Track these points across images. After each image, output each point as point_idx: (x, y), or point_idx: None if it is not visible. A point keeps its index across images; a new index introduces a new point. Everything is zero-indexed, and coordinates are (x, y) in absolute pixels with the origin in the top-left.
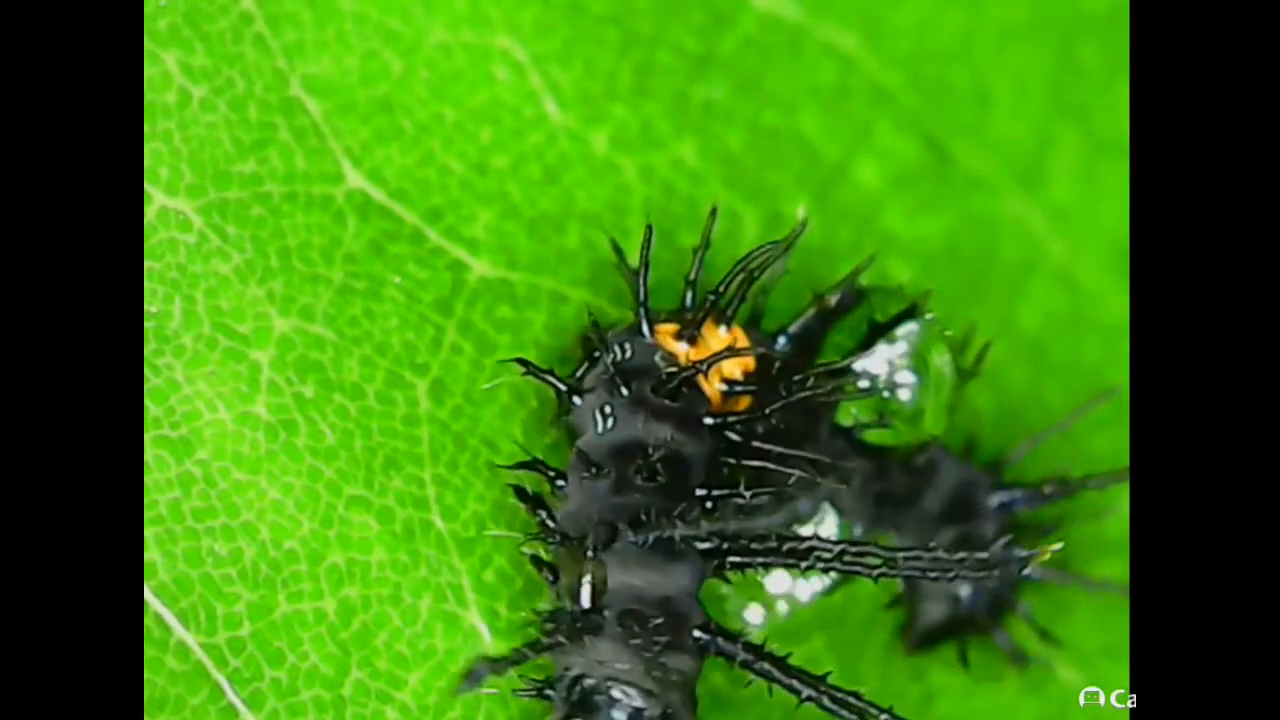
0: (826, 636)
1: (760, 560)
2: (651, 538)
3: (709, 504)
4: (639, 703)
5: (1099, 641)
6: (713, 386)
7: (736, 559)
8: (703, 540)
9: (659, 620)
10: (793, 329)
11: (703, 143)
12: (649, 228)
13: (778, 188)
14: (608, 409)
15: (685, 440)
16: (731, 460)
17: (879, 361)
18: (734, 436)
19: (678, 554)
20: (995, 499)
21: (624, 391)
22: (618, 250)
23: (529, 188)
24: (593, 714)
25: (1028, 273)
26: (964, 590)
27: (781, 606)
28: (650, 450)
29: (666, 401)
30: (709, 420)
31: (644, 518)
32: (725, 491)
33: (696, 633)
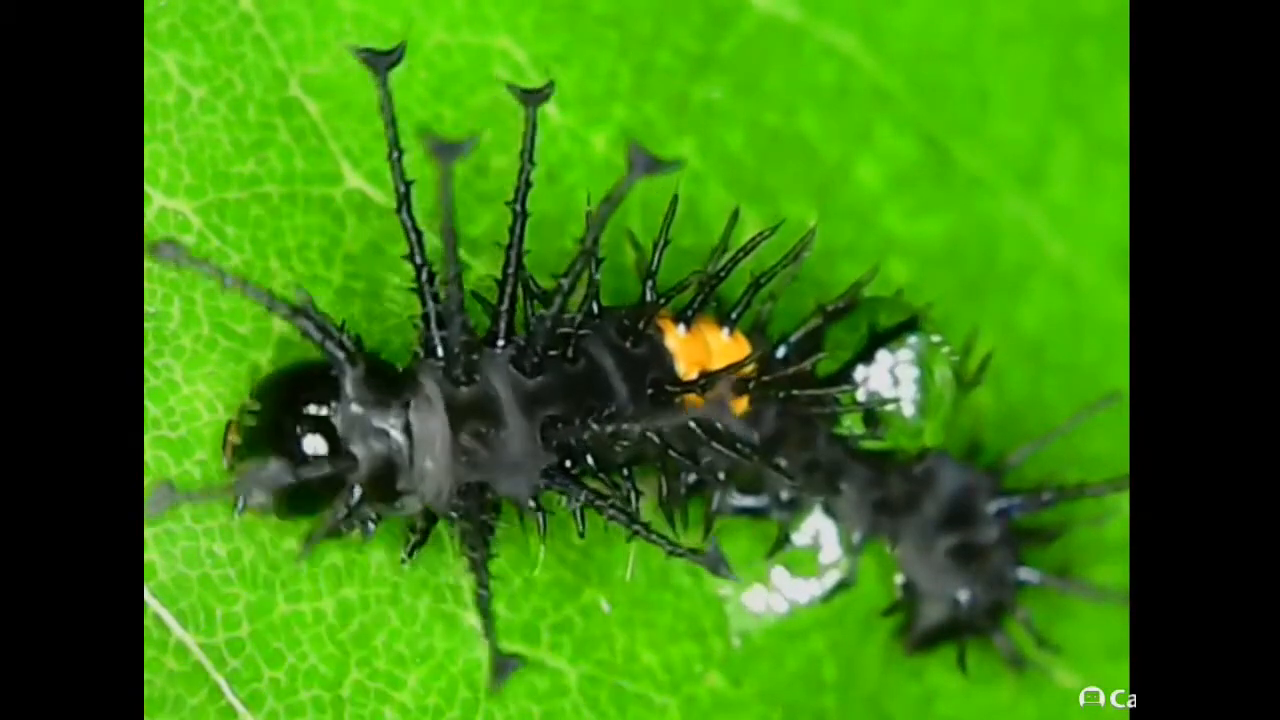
0: (826, 636)
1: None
2: (511, 357)
3: (591, 418)
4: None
5: (1099, 642)
6: (687, 366)
7: (566, 457)
8: (548, 414)
9: (484, 431)
10: (794, 337)
11: (703, 143)
12: (675, 198)
13: (778, 188)
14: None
15: (612, 371)
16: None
17: (879, 374)
18: (694, 428)
19: (525, 406)
20: (994, 505)
21: (595, 318)
22: (635, 243)
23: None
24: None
25: (1028, 273)
26: (963, 593)
27: (781, 605)
28: (577, 345)
29: (622, 339)
30: (649, 382)
31: (523, 352)
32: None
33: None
